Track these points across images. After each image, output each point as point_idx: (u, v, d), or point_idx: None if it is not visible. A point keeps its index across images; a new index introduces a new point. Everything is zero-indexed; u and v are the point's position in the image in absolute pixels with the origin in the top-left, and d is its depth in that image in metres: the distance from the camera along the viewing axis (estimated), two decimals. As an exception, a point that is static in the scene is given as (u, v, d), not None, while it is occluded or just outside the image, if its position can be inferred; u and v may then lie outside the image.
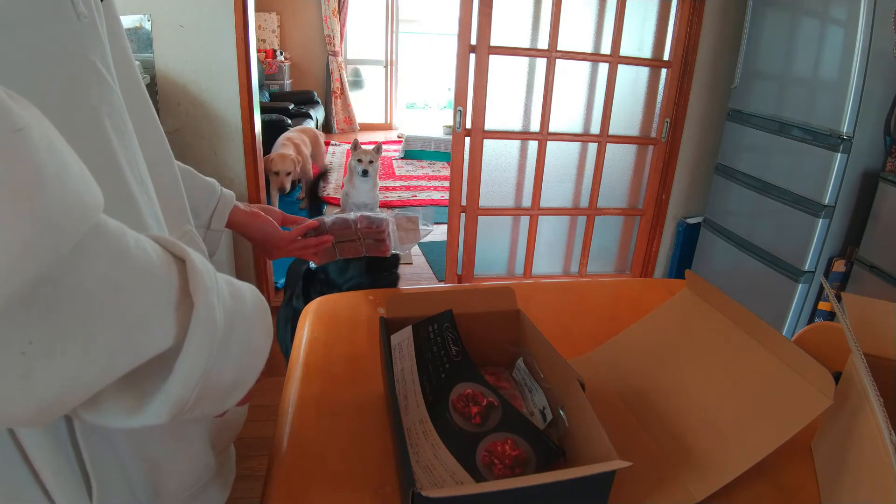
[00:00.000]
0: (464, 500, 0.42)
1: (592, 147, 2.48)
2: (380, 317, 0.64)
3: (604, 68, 2.34)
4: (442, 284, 2.70)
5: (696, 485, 0.53)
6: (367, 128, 6.58)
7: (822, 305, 1.99)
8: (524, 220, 2.57)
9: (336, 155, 5.32)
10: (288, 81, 5.79)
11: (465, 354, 0.63)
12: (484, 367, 0.66)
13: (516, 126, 2.41)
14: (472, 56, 2.18)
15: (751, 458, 0.52)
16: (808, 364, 0.53)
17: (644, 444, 0.60)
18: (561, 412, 0.56)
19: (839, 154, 1.81)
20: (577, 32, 2.29)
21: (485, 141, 2.33)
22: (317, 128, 5.09)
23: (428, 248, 3.21)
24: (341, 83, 6.13)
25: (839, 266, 1.92)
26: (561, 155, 2.48)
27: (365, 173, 3.07)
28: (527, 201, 2.51)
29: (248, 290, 0.42)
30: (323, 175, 3.76)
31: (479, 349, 0.66)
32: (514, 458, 0.53)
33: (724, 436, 0.55)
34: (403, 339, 0.60)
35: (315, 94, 5.72)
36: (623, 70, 2.35)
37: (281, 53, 5.79)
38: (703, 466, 0.54)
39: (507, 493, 0.43)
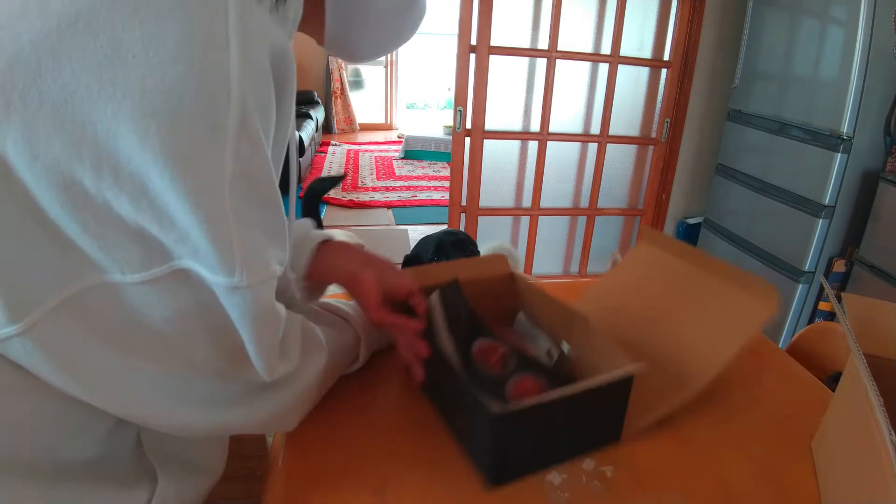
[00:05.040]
0: (530, 412, 0.51)
1: (592, 147, 2.48)
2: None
3: (604, 68, 2.34)
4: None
5: (675, 394, 0.63)
6: (366, 128, 6.58)
7: (822, 305, 1.99)
8: (524, 221, 2.57)
9: (336, 155, 5.32)
10: (288, 81, 5.78)
11: (475, 315, 0.69)
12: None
13: (516, 126, 2.41)
14: (472, 56, 2.18)
15: (713, 367, 0.62)
16: (752, 282, 0.64)
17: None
18: (564, 343, 0.65)
19: (839, 154, 1.81)
20: (577, 32, 2.29)
21: (485, 141, 2.33)
22: (317, 128, 5.10)
23: (428, 248, 3.19)
24: (341, 83, 6.13)
25: (839, 266, 1.92)
26: (561, 155, 2.47)
27: None
28: (527, 201, 2.52)
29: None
30: (336, 180, 3.32)
31: (480, 315, 0.70)
32: (540, 391, 0.59)
33: (689, 353, 0.66)
34: (435, 302, 0.67)
35: (315, 94, 5.71)
36: (623, 70, 2.35)
37: (281, 53, 5.78)
38: (677, 382, 0.64)
39: (562, 400, 0.52)
